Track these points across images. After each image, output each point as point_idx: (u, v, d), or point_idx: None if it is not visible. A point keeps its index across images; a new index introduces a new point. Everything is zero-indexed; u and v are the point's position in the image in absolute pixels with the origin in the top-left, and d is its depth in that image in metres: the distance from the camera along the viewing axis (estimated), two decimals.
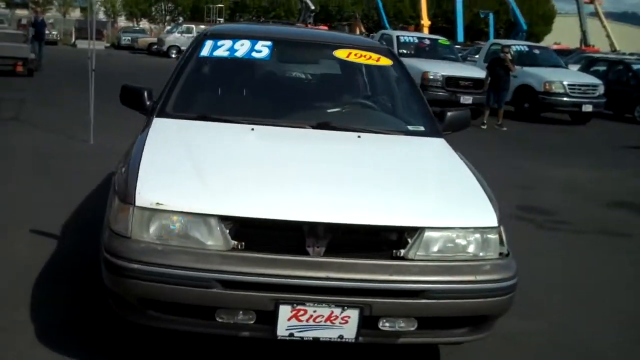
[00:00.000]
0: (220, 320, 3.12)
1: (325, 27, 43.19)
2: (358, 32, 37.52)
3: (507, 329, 3.93)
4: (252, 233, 3.18)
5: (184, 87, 4.48)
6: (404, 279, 3.12)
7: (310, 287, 3.05)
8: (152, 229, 3.15)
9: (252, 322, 3.12)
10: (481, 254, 3.32)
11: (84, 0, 53.97)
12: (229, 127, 4.10)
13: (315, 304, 3.06)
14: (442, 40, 19.07)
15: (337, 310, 3.08)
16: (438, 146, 4.24)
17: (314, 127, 4.18)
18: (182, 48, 29.42)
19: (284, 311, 3.06)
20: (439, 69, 16.30)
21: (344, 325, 3.10)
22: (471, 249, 3.31)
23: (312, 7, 42.79)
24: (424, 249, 3.24)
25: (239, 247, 3.14)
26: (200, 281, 3.03)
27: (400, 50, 17.24)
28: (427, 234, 3.24)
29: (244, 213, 3.14)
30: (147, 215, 3.16)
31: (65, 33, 48.67)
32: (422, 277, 3.14)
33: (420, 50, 17.95)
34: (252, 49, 4.60)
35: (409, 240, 3.23)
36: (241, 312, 3.11)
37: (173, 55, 36.00)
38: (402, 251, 3.22)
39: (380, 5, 42.07)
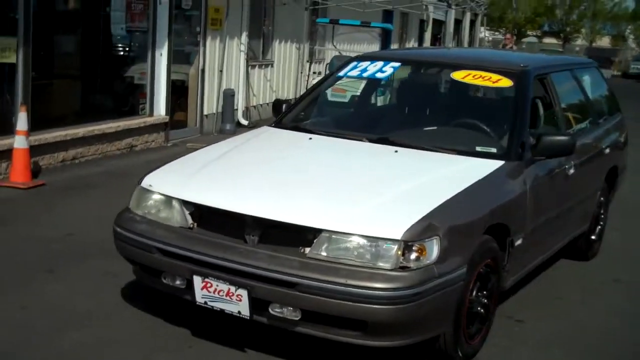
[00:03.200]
0: (164, 282, 3.93)
1: None
2: None
3: None
4: (210, 217, 3.88)
5: (306, 101, 5.21)
6: (280, 269, 3.49)
7: (213, 264, 3.65)
8: (142, 204, 4.11)
9: (183, 287, 3.84)
10: (379, 263, 3.44)
11: (613, 28, 53.47)
12: (296, 135, 4.73)
13: (216, 279, 3.64)
14: None
15: (232, 288, 3.61)
16: (481, 168, 4.16)
17: (371, 141, 4.53)
18: None
19: (197, 281, 3.71)
20: None
21: (239, 302, 3.61)
22: (365, 256, 3.47)
23: None
24: (321, 249, 3.54)
25: (192, 226, 3.88)
26: (146, 247, 3.90)
27: None
28: (324, 235, 3.53)
29: (196, 199, 3.89)
30: (142, 193, 4.12)
31: None
32: (296, 271, 3.46)
33: None
34: (379, 70, 5.07)
35: (315, 240, 3.55)
36: (178, 278, 3.86)
37: None
38: (307, 249, 3.57)
39: None
